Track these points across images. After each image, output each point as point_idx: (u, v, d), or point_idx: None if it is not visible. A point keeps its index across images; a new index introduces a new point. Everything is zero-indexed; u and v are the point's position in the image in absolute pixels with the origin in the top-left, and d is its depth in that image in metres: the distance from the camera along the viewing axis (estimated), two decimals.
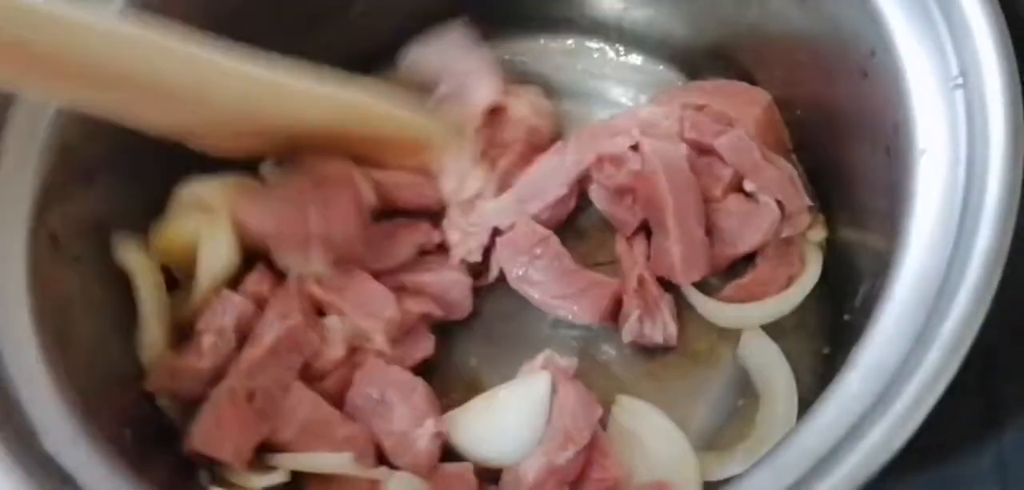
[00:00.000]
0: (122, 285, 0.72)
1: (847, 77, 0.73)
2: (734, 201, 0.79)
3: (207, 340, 0.72)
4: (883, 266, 0.62)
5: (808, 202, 0.79)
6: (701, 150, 0.80)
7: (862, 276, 0.74)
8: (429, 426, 0.70)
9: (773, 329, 0.79)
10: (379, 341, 0.74)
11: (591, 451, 0.70)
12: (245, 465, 0.69)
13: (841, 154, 0.79)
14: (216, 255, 0.74)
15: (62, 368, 0.60)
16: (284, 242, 0.75)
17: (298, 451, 0.71)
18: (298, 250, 0.74)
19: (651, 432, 0.73)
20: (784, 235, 0.78)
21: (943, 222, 0.58)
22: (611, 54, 0.96)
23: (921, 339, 0.53)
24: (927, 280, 0.56)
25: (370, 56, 0.87)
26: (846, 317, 0.77)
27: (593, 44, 0.96)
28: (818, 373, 0.77)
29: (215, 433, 0.69)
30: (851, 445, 0.51)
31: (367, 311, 0.75)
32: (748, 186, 0.79)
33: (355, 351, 0.75)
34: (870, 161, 0.72)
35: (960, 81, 0.61)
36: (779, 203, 0.78)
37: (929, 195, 0.59)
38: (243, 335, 0.74)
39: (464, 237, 0.80)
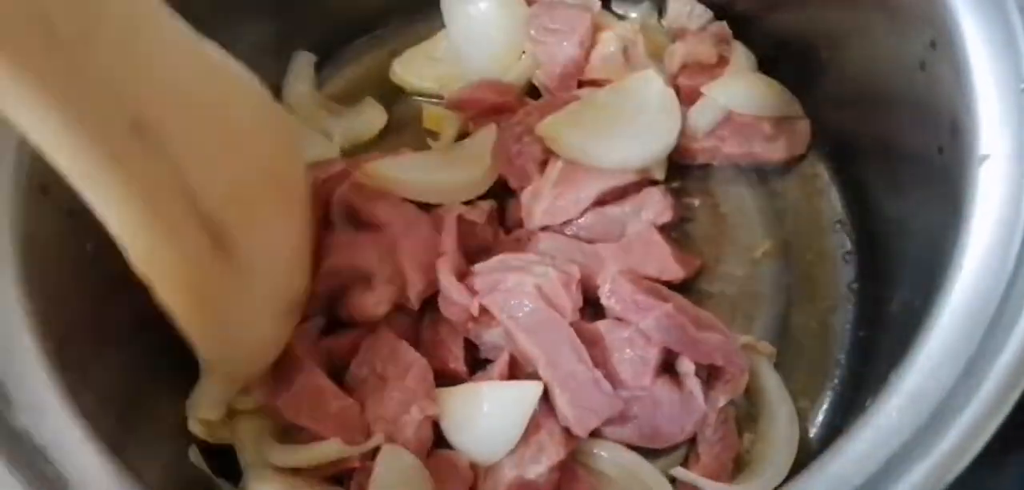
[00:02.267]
0: None
1: (902, 65, 0.68)
2: (661, 388, 0.69)
3: None
4: (928, 278, 0.58)
5: (745, 364, 0.70)
6: (620, 320, 0.71)
7: (901, 281, 0.69)
8: (415, 412, 0.66)
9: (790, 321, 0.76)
10: (412, 297, 0.71)
11: (564, 473, 0.66)
12: None
13: (888, 144, 0.74)
14: None
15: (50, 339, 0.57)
16: None
17: (290, 418, 0.68)
18: None
19: (624, 466, 0.69)
20: (721, 404, 0.69)
21: (1003, 241, 0.53)
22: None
23: (970, 371, 0.49)
24: (980, 304, 0.52)
25: None
26: (870, 332, 0.74)
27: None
28: (838, 385, 0.74)
29: None
30: (889, 481, 0.47)
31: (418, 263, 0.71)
32: (683, 366, 0.70)
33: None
34: (920, 159, 0.67)
35: None
36: (716, 369, 0.70)
37: (988, 208, 0.54)
38: None
39: None
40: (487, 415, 0.66)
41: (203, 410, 0.68)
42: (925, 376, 0.50)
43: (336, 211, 0.76)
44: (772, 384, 0.73)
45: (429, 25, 0.90)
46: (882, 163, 0.75)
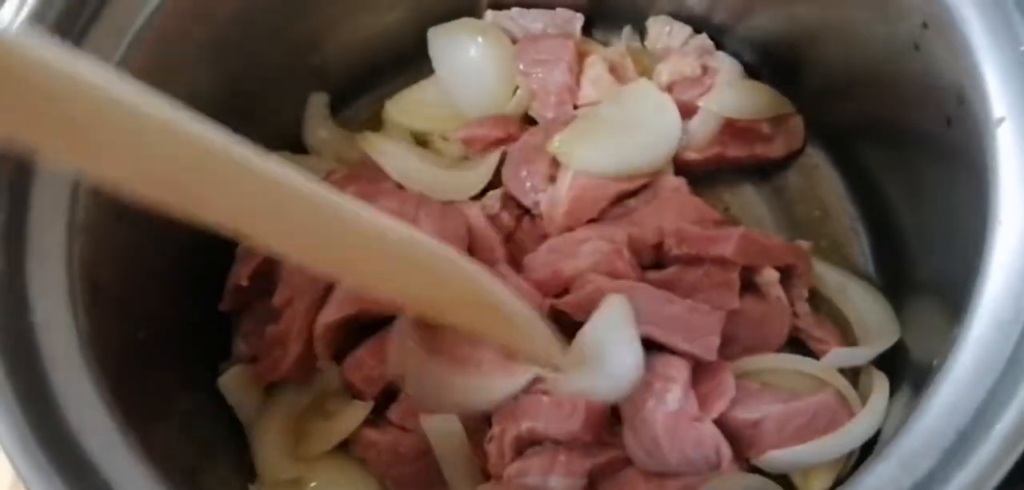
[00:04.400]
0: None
1: (893, 50, 0.71)
2: (748, 304, 0.74)
3: None
4: (958, 242, 0.62)
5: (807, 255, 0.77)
6: (692, 261, 0.75)
7: (922, 249, 0.74)
8: None
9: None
10: None
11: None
12: None
13: (889, 124, 0.78)
14: None
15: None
16: None
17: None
18: None
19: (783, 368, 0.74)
20: (806, 296, 0.76)
21: None
22: None
23: None
24: None
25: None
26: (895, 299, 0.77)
27: None
28: None
29: None
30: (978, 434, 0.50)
31: None
32: (765, 277, 0.75)
33: None
34: (926, 133, 0.70)
35: None
36: (790, 268, 0.76)
37: (1014, 166, 0.58)
38: None
39: None
40: (605, 351, 0.68)
41: (270, 472, 0.67)
42: (989, 329, 0.53)
43: None
44: (824, 270, 0.79)
45: (421, 74, 0.91)
46: (883, 142, 0.79)
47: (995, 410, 0.49)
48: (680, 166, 0.83)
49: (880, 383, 0.70)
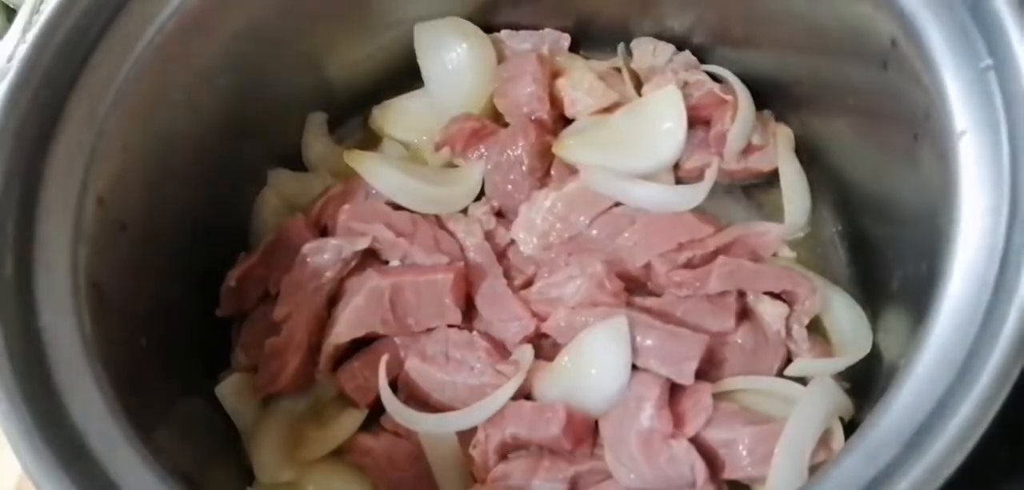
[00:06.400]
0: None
1: (863, 69, 0.74)
2: (743, 332, 0.76)
3: None
4: (926, 250, 0.65)
5: (815, 283, 0.78)
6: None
7: (897, 259, 0.76)
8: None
9: None
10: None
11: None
12: None
13: (860, 139, 0.81)
14: None
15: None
16: None
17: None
18: None
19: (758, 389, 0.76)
20: (805, 322, 0.78)
21: (994, 202, 0.58)
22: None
23: (990, 312, 0.55)
24: (982, 265, 0.57)
25: None
26: (873, 308, 0.80)
27: None
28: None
29: None
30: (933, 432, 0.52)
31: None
32: (770, 309, 0.77)
33: None
34: (895, 147, 0.73)
35: (990, 63, 0.62)
36: (787, 294, 0.78)
37: (974, 175, 0.60)
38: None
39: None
40: (593, 361, 0.71)
41: (268, 475, 0.70)
42: (949, 330, 0.55)
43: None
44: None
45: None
46: (857, 156, 0.82)
47: (953, 404, 0.52)
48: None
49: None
